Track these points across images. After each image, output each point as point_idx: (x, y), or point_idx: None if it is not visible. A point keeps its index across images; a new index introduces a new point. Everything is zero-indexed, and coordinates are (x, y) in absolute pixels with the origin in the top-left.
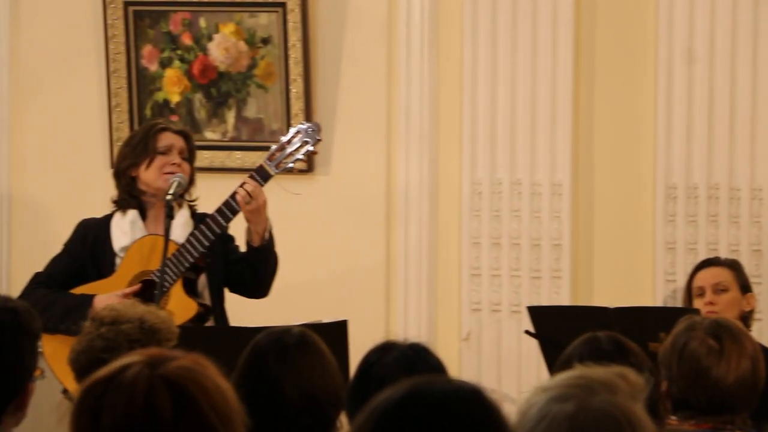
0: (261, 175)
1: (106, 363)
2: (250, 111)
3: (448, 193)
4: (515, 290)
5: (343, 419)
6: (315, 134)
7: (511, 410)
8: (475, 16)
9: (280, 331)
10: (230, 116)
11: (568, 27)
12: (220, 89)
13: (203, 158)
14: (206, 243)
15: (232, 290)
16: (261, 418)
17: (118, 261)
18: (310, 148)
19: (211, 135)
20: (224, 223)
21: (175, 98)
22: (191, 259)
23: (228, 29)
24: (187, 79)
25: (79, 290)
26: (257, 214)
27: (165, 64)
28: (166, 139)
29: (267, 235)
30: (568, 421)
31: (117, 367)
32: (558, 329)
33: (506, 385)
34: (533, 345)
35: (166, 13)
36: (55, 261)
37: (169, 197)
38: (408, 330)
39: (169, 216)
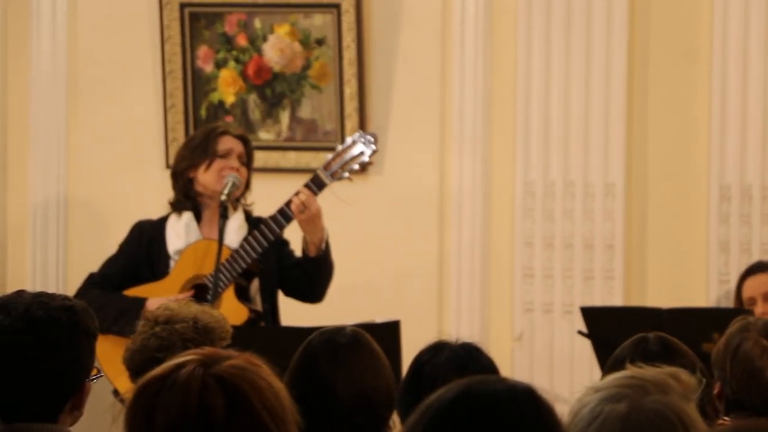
0: (316, 184)
1: (160, 362)
2: (304, 111)
3: (502, 194)
4: (568, 291)
5: (395, 419)
6: (371, 144)
7: (563, 410)
8: (529, 16)
9: (332, 331)
10: (284, 117)
11: (623, 27)
12: (275, 90)
13: (257, 159)
14: (259, 249)
15: (287, 294)
16: (313, 417)
17: (172, 263)
18: (365, 158)
19: (265, 135)
20: (278, 230)
21: (229, 99)
22: (244, 265)
23: (283, 30)
24: (242, 79)
25: (132, 292)
26: (312, 224)
27: (220, 64)
28: (226, 143)
29: (323, 245)
30: (621, 422)
31: (171, 366)
32: (611, 330)
33: (558, 385)
34: (586, 345)
35: (221, 14)
36: (110, 262)
37: (223, 198)
38: (460, 330)
39: (223, 216)
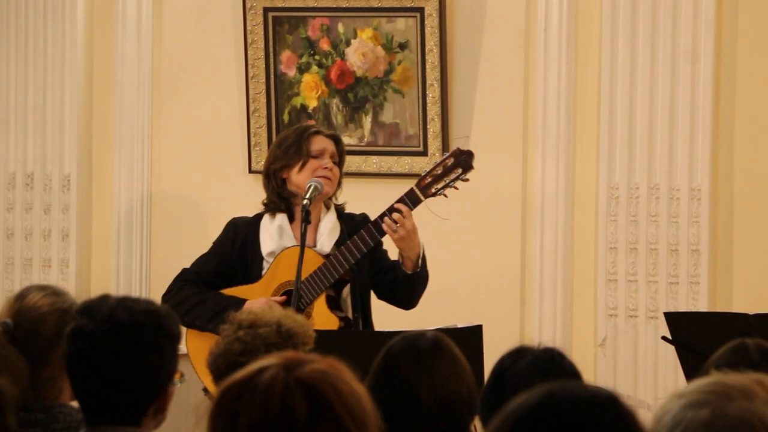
0: (411, 200)
1: (243, 366)
2: (387, 116)
3: (585, 198)
4: (652, 296)
5: (477, 424)
6: (469, 162)
7: (647, 417)
8: (614, 19)
9: (414, 335)
10: (367, 121)
11: (710, 28)
12: (357, 94)
13: None
14: (352, 261)
15: (380, 298)
16: (395, 422)
17: (265, 265)
18: (462, 176)
19: (347, 140)
20: (371, 244)
21: (312, 103)
22: (336, 275)
23: (366, 34)
24: (325, 84)
25: (226, 293)
26: (407, 241)
27: (303, 69)
28: (319, 143)
29: (419, 261)
30: (704, 428)
31: (254, 369)
32: (696, 336)
33: (642, 391)
34: (670, 351)
35: (304, 18)
36: (205, 260)
37: (305, 202)
38: (543, 335)
39: (306, 221)
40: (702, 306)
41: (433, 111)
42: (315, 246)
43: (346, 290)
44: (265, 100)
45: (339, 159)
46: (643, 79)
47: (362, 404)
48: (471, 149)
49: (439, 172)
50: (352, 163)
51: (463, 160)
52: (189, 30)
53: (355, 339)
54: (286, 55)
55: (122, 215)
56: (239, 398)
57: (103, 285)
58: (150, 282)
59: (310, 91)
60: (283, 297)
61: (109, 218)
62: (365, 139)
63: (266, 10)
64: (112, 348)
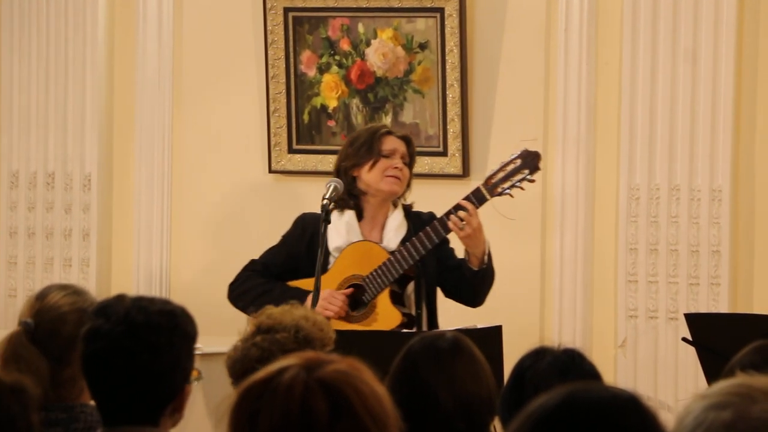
0: (477, 199)
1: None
2: (407, 116)
3: (605, 199)
4: (672, 297)
5: (497, 425)
6: (535, 163)
7: (667, 419)
8: (635, 19)
9: (433, 336)
10: (387, 121)
11: (731, 28)
12: (377, 94)
13: None
14: (417, 256)
15: (447, 296)
16: (415, 423)
17: (331, 260)
18: (529, 177)
19: None
20: (436, 240)
21: (332, 103)
22: (401, 270)
23: (386, 35)
24: (345, 84)
25: (294, 285)
26: (473, 239)
27: (323, 69)
28: (391, 143)
29: (486, 258)
30: (726, 430)
31: (274, 370)
32: (716, 337)
33: (663, 393)
34: (691, 353)
35: (325, 18)
36: (273, 252)
37: (325, 202)
38: (563, 336)
39: (326, 221)
40: (723, 307)
41: (453, 111)
42: (381, 243)
43: (411, 287)
44: (285, 101)
45: (410, 160)
46: (664, 78)
47: (383, 405)
48: (538, 151)
49: (506, 172)
50: None
51: (531, 161)
52: (209, 30)
53: (373, 339)
54: (306, 55)
55: (142, 214)
56: (259, 398)
57: (124, 284)
58: (170, 282)
59: (330, 92)
60: (350, 290)
61: (129, 217)
62: None
63: (286, 10)
64: (127, 349)
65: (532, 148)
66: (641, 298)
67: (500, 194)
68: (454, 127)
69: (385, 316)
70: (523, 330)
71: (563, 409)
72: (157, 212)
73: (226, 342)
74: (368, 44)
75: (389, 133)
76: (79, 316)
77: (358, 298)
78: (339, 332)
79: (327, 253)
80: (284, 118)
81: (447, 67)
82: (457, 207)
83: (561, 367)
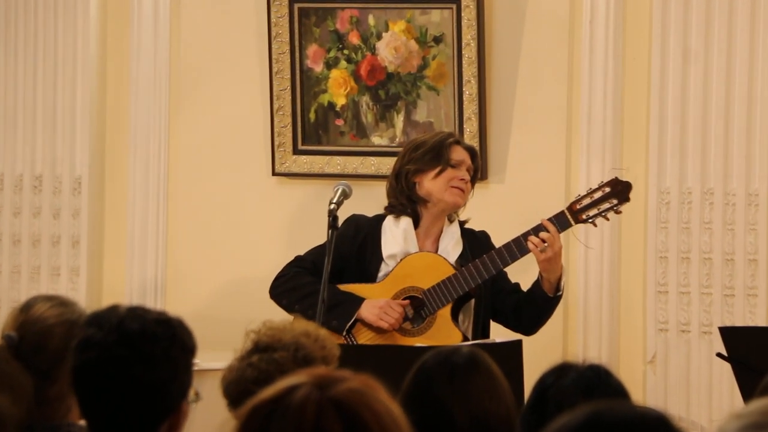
0: (560, 223)
1: (255, 395)
2: (420, 114)
3: (633, 203)
4: (706, 309)
5: None
6: (626, 193)
7: None
8: (665, 10)
9: (448, 351)
10: (399, 120)
11: None
12: (389, 91)
13: (370, 165)
14: (486, 276)
15: (495, 320)
16: None
17: (383, 267)
18: (617, 207)
19: (378, 140)
20: (509, 261)
21: (340, 101)
22: (467, 288)
23: (398, 27)
24: (354, 80)
25: (345, 289)
26: (552, 263)
27: (331, 64)
28: (459, 153)
29: (560, 284)
30: None
31: (284, 388)
32: (754, 352)
33: (695, 412)
34: (726, 369)
35: (333, 10)
36: (321, 251)
37: (332, 206)
38: (587, 351)
39: (333, 227)
40: (760, 320)
41: (470, 110)
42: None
43: (467, 306)
44: (290, 98)
45: (474, 174)
46: (696, 73)
47: (399, 426)
48: (630, 181)
49: (593, 199)
50: (382, 165)
51: (621, 191)
52: (209, 23)
53: (384, 354)
54: (312, 49)
55: (136, 220)
56: (269, 418)
57: (116, 295)
58: (166, 292)
59: (338, 88)
60: (407, 301)
61: (122, 223)
62: (397, 140)
63: (292, 1)
64: (121, 358)
65: (623, 178)
66: (672, 310)
67: (584, 221)
68: (470, 127)
69: (446, 333)
70: (545, 344)
71: (588, 429)
72: (152, 218)
73: (226, 358)
74: (379, 37)
75: (458, 142)
76: (67, 329)
77: (417, 311)
78: (345, 347)
79: (379, 260)
80: (289, 116)
81: (463, 62)
82: (538, 228)
83: (585, 385)
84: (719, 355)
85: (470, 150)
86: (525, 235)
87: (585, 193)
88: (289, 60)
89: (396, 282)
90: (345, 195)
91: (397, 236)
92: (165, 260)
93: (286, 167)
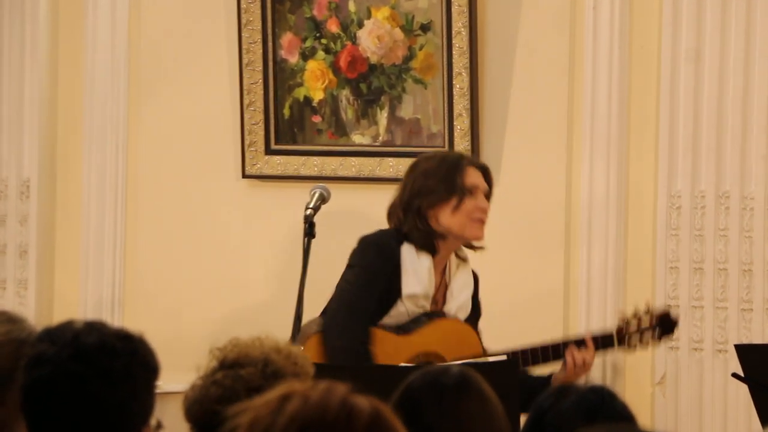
0: (603, 345)
1: (220, 415)
2: (406, 110)
3: (640, 208)
4: (721, 325)
5: None
6: (671, 328)
7: None
8: None
9: (436, 371)
10: (382, 117)
11: None
12: (371, 85)
13: (350, 166)
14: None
15: None
16: None
17: (399, 305)
18: (657, 338)
19: (359, 139)
20: (540, 363)
21: (317, 95)
22: None
23: (381, 14)
24: (333, 72)
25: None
26: (578, 377)
27: (307, 55)
28: (473, 177)
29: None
30: None
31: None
32: None
33: None
34: (742, 390)
35: None
36: (366, 291)
37: (309, 212)
38: (590, 371)
39: (310, 234)
40: None
41: (461, 105)
42: (444, 304)
43: None
44: (262, 92)
45: (489, 195)
46: (711, 65)
47: None
48: (678, 315)
49: (642, 323)
50: (364, 166)
51: (667, 325)
52: (172, 9)
53: (360, 373)
54: (287, 38)
55: (91, 228)
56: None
57: (69, 310)
58: (124, 307)
59: (315, 81)
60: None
61: (75, 231)
62: (380, 138)
63: None
64: (76, 374)
65: (674, 314)
66: (684, 325)
67: (629, 347)
68: (461, 124)
69: None
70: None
71: None
72: (108, 226)
73: (190, 380)
74: (360, 25)
75: (471, 163)
76: (15, 348)
77: None
78: (318, 366)
79: (397, 295)
80: (261, 113)
81: (453, 52)
82: (580, 342)
83: (587, 408)
84: (735, 375)
85: (483, 169)
86: (566, 345)
87: (635, 318)
88: (261, 50)
89: (420, 343)
90: (323, 199)
91: (421, 275)
92: (123, 272)
93: (258, 169)
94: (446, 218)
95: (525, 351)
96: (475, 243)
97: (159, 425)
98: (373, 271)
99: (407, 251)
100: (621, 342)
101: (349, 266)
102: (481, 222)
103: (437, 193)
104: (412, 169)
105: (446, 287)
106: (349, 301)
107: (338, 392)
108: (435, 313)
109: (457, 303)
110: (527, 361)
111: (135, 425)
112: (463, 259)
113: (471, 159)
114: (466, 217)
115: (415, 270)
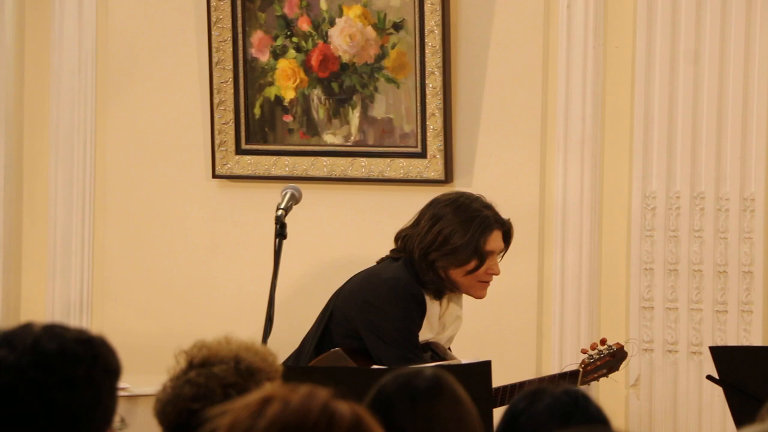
0: (571, 381)
1: (196, 413)
2: (378, 110)
3: (615, 209)
4: (695, 327)
5: None
6: (618, 364)
7: None
8: None
9: (409, 374)
10: (354, 116)
11: (766, 6)
12: (343, 84)
13: (322, 166)
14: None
15: None
16: None
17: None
18: (606, 374)
19: (331, 139)
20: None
21: (289, 95)
22: None
23: (353, 12)
24: (304, 71)
25: None
26: None
27: (278, 54)
28: (496, 242)
29: None
30: None
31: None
32: (748, 375)
33: None
34: (717, 393)
35: None
36: (416, 346)
37: (280, 212)
38: None
39: (281, 235)
40: (755, 339)
41: (434, 104)
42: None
43: None
44: (232, 91)
45: (504, 251)
46: (686, 65)
47: None
48: (627, 351)
49: (601, 363)
50: (336, 166)
51: (616, 360)
52: (140, 6)
53: (330, 375)
54: (257, 36)
55: (58, 228)
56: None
57: (36, 312)
58: (92, 309)
59: (286, 80)
60: None
61: (42, 232)
62: (352, 138)
63: None
64: (37, 383)
65: (627, 348)
66: (658, 328)
67: (586, 383)
68: (434, 124)
69: None
70: (517, 365)
71: None
72: (76, 226)
73: (159, 382)
74: (332, 24)
75: (498, 226)
76: None
77: None
78: (288, 367)
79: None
80: (231, 112)
81: (426, 51)
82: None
83: (561, 411)
84: (710, 377)
85: (506, 228)
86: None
87: (597, 356)
88: (231, 49)
89: None
90: (294, 200)
91: (432, 323)
92: (91, 273)
93: (228, 169)
94: (457, 276)
95: (502, 388)
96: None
97: (123, 423)
98: (415, 320)
99: (428, 302)
100: (584, 379)
101: (377, 308)
102: (488, 283)
103: (457, 256)
104: (437, 214)
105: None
106: (409, 362)
107: (319, 397)
108: (435, 353)
109: (447, 335)
110: (495, 401)
111: (98, 429)
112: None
113: (498, 219)
114: (476, 280)
115: (429, 318)
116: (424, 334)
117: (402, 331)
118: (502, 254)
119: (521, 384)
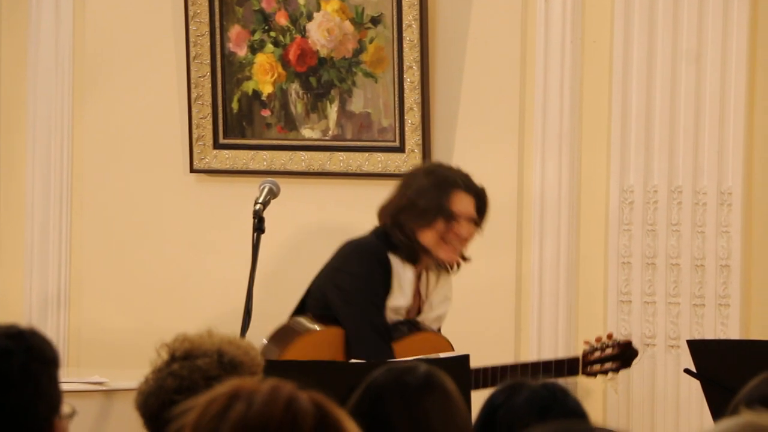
0: (569, 369)
1: (179, 406)
2: (357, 104)
3: (593, 203)
4: (673, 320)
5: None
6: (630, 361)
7: None
8: None
9: (401, 369)
10: (332, 111)
11: (743, 3)
12: (321, 78)
13: (300, 161)
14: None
15: None
16: None
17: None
18: (616, 369)
19: (309, 133)
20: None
21: (267, 89)
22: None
23: (331, 7)
24: (282, 66)
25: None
26: None
27: (256, 48)
28: (462, 204)
29: None
30: None
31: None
32: (725, 368)
33: None
34: (695, 386)
35: None
36: (377, 306)
37: (258, 207)
38: None
39: (259, 229)
40: (733, 332)
41: (412, 99)
42: (418, 313)
43: None
44: (209, 86)
45: (479, 219)
46: (664, 59)
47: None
48: (638, 349)
49: (604, 355)
50: (314, 160)
51: (627, 357)
52: (118, 1)
53: (313, 369)
54: (235, 31)
55: (36, 224)
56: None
57: (13, 309)
58: (69, 305)
59: (264, 75)
60: None
61: (20, 228)
62: (330, 132)
63: None
64: None
65: (636, 345)
66: (635, 321)
67: (589, 375)
68: (412, 118)
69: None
70: (495, 359)
71: None
72: (53, 222)
73: (138, 376)
74: (310, 18)
75: (463, 188)
76: None
77: None
78: (270, 362)
79: (383, 306)
80: (209, 106)
81: (404, 45)
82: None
83: (539, 405)
84: (687, 371)
85: (477, 193)
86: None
87: (598, 347)
88: (208, 43)
89: (399, 354)
90: (272, 194)
91: (405, 288)
92: (68, 269)
93: (206, 163)
94: (426, 238)
95: (490, 369)
96: (447, 264)
97: (73, 411)
98: (377, 280)
99: (395, 262)
100: (585, 369)
101: (341, 271)
102: (455, 247)
103: (423, 215)
104: (409, 180)
105: (421, 297)
106: (371, 323)
107: (283, 393)
108: (414, 324)
109: (435, 314)
110: (488, 380)
111: (44, 421)
112: (446, 270)
113: (466, 183)
114: (442, 240)
115: (401, 282)
116: (397, 300)
117: (365, 291)
118: (477, 225)
119: (523, 365)
